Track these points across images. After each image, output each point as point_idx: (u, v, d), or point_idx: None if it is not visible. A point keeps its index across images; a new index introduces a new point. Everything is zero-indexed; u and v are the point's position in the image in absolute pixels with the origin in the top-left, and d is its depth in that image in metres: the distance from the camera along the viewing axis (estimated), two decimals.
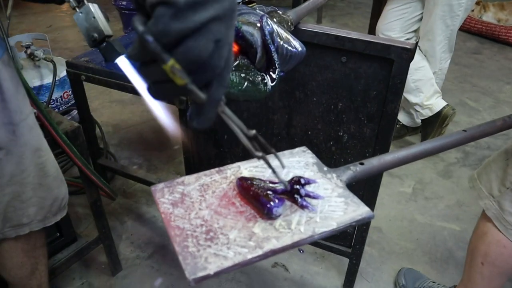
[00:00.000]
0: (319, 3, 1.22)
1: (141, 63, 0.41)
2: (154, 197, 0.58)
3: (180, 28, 0.37)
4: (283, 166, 0.57)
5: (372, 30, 2.79)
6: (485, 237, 1.16)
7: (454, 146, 0.74)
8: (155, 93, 0.43)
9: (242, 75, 0.70)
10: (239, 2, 1.91)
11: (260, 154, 0.50)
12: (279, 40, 0.78)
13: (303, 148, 0.68)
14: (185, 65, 0.39)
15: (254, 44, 0.73)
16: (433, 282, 1.56)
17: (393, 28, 2.23)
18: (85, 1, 0.82)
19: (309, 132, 1.26)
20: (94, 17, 0.82)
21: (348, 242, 1.49)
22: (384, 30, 2.27)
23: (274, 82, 0.76)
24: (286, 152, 0.67)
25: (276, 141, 1.31)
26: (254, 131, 0.48)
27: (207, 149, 1.44)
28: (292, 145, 1.34)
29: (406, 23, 2.21)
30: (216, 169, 0.63)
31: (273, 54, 0.76)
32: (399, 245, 1.83)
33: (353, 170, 0.62)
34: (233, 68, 0.67)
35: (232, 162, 0.62)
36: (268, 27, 0.74)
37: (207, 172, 0.62)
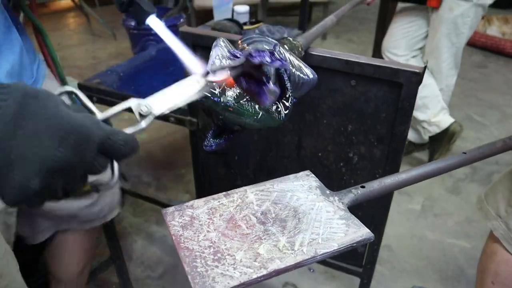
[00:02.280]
0: (327, 27, 1.24)
1: None
2: (165, 220, 0.62)
3: None
4: None
5: (377, 46, 2.82)
6: (494, 257, 1.17)
7: (455, 168, 0.76)
8: None
9: (257, 105, 0.72)
10: (245, 23, 1.95)
11: None
12: (291, 67, 0.80)
13: (307, 172, 0.72)
14: None
15: (267, 73, 0.75)
16: None
17: (398, 46, 2.26)
18: None
19: (319, 154, 1.27)
20: None
21: (359, 261, 1.49)
22: (390, 48, 2.29)
23: (288, 110, 0.78)
24: (291, 176, 0.71)
25: (287, 162, 1.32)
26: None
27: (218, 169, 1.45)
28: (302, 167, 1.36)
29: (411, 41, 2.24)
30: (224, 193, 0.67)
31: (286, 83, 0.77)
32: (410, 263, 1.82)
33: (355, 193, 0.65)
34: (249, 98, 0.70)
35: (243, 182, 0.65)
36: (281, 55, 0.76)
37: (215, 196, 0.66)
